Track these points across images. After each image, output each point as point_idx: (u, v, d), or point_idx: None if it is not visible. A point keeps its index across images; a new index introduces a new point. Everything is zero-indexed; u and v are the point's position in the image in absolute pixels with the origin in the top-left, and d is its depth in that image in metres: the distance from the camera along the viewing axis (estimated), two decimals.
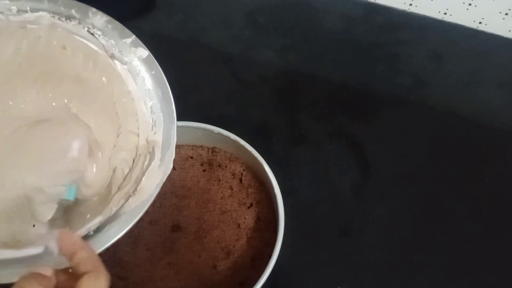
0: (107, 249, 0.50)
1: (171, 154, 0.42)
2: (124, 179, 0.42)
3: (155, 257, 0.50)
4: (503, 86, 0.68)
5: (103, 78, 0.44)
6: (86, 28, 0.43)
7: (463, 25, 0.73)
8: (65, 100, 0.44)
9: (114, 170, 0.43)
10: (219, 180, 0.54)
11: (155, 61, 0.44)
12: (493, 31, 0.72)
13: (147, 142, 0.43)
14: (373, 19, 0.73)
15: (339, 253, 0.56)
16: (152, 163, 0.42)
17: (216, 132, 0.53)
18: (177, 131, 0.54)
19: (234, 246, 0.51)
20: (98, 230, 0.39)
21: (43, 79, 0.43)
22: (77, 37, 0.43)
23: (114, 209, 0.39)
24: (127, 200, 0.40)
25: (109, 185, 0.42)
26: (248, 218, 0.52)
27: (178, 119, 0.44)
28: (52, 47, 0.43)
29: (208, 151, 0.56)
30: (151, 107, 0.44)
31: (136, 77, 0.44)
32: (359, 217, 0.58)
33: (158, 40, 0.68)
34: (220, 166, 0.55)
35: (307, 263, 0.55)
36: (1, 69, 0.43)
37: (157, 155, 0.42)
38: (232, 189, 0.54)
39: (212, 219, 0.52)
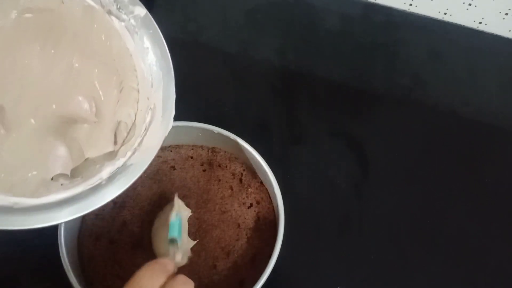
0: (107, 248, 0.51)
1: (172, 111, 0.44)
2: (128, 133, 0.44)
3: (155, 257, 0.50)
4: (503, 86, 0.68)
5: (102, 35, 0.43)
6: None
7: (463, 25, 0.73)
8: (67, 56, 0.43)
9: (118, 124, 0.44)
10: (219, 180, 0.54)
11: (153, 20, 0.45)
12: (493, 31, 0.72)
13: (148, 98, 0.44)
14: (372, 18, 0.73)
15: (339, 253, 0.56)
16: (154, 118, 0.44)
17: (216, 132, 0.53)
18: (176, 131, 0.54)
19: (234, 246, 0.51)
20: (109, 180, 0.41)
21: (44, 34, 0.42)
22: None
23: (122, 160, 0.42)
24: (133, 153, 0.43)
25: (114, 138, 0.44)
26: (248, 218, 0.52)
27: (178, 119, 0.44)
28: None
29: (208, 151, 0.56)
30: (149, 65, 0.44)
31: (133, 35, 0.44)
32: (358, 217, 0.58)
33: None
34: (220, 166, 0.55)
35: (307, 262, 0.55)
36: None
37: (158, 111, 0.44)
38: (232, 189, 0.54)
39: (212, 219, 0.52)
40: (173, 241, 0.45)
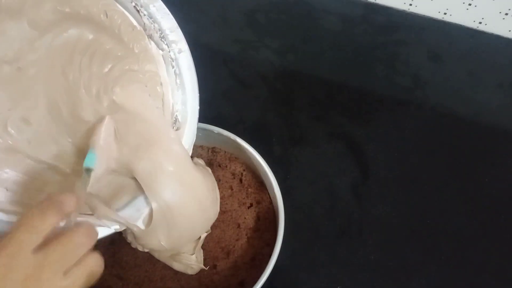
0: (107, 248, 0.51)
1: (189, 151, 0.45)
2: None
3: (155, 257, 0.50)
4: (503, 86, 0.68)
5: (136, 51, 0.43)
6: (133, 3, 0.41)
7: (463, 25, 0.73)
8: (106, 73, 0.43)
9: None
10: (219, 180, 0.54)
11: (191, 58, 0.44)
12: (493, 31, 0.72)
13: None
14: (373, 19, 0.73)
15: (338, 253, 0.56)
16: None
17: (216, 132, 0.53)
18: None
19: (234, 246, 0.51)
20: None
21: (86, 50, 0.42)
22: (120, 7, 0.42)
23: None
24: None
25: None
26: (248, 218, 0.52)
27: None
28: (93, 11, 0.41)
29: (208, 151, 0.56)
30: (176, 101, 0.44)
31: (168, 66, 0.44)
32: (358, 217, 0.58)
33: None
34: (220, 166, 0.55)
35: (306, 263, 0.55)
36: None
37: None
38: (232, 189, 0.54)
39: None
40: (88, 171, 0.40)
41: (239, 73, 0.68)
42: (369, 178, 0.60)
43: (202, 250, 0.50)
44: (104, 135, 0.41)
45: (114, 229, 0.42)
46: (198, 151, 0.56)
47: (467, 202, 0.59)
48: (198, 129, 0.53)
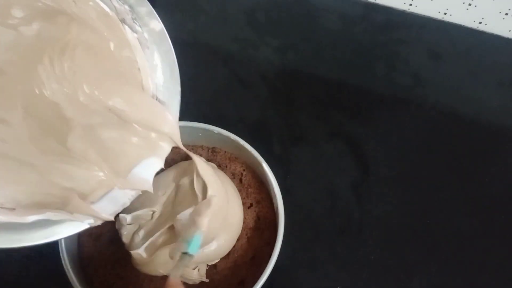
0: (107, 248, 0.51)
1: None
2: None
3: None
4: (503, 86, 0.68)
5: (111, 44, 0.41)
6: None
7: (463, 25, 0.73)
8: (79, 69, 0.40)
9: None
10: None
11: (168, 37, 0.42)
12: (493, 31, 0.72)
13: None
14: (372, 18, 0.73)
15: (338, 252, 0.56)
16: None
17: (216, 132, 0.53)
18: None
19: (234, 246, 0.51)
20: None
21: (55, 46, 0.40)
22: None
23: None
24: None
25: None
26: (248, 218, 0.52)
27: (178, 119, 0.44)
28: (62, 2, 0.39)
29: (208, 151, 0.56)
30: (156, 84, 0.43)
31: (145, 49, 0.42)
32: (358, 216, 0.58)
33: None
34: (220, 166, 0.55)
35: (306, 262, 0.55)
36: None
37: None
38: None
39: None
40: (185, 254, 0.42)
41: (239, 72, 0.68)
42: (369, 178, 0.60)
43: (205, 264, 0.50)
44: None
45: (88, 223, 0.40)
46: (198, 151, 0.56)
47: (467, 201, 0.59)
48: (198, 129, 0.53)
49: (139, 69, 0.42)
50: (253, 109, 0.65)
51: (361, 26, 0.73)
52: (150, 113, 0.42)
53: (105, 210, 0.41)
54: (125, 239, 0.48)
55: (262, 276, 0.46)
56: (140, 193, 0.42)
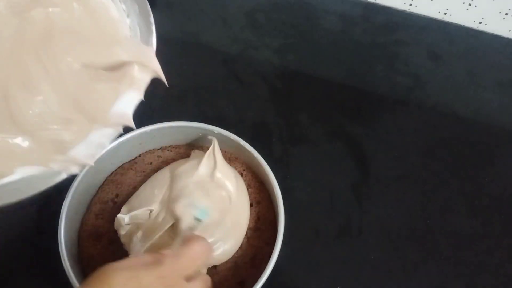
0: (107, 249, 0.50)
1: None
2: None
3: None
4: (503, 86, 0.68)
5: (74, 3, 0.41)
6: None
7: (463, 25, 0.73)
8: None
9: None
10: None
11: None
12: (493, 31, 0.72)
13: None
14: (372, 19, 0.73)
15: (338, 253, 0.56)
16: None
17: (216, 132, 0.53)
18: (176, 131, 0.54)
19: None
20: None
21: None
22: None
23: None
24: None
25: None
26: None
27: (178, 119, 0.44)
28: None
29: None
30: (129, 27, 0.44)
31: (116, 2, 0.43)
32: (358, 217, 0.58)
33: (157, 40, 0.68)
34: None
35: (307, 262, 0.55)
36: None
37: None
38: None
39: None
40: (198, 220, 0.46)
41: (239, 73, 0.68)
42: (369, 178, 0.60)
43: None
44: None
45: (66, 173, 0.40)
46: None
47: (467, 201, 0.59)
48: (198, 129, 0.53)
49: (112, 19, 0.43)
50: (253, 110, 0.65)
51: (361, 27, 0.73)
52: (128, 49, 0.43)
53: (83, 154, 0.41)
54: (124, 239, 0.48)
55: (262, 276, 0.46)
56: (121, 131, 0.43)
